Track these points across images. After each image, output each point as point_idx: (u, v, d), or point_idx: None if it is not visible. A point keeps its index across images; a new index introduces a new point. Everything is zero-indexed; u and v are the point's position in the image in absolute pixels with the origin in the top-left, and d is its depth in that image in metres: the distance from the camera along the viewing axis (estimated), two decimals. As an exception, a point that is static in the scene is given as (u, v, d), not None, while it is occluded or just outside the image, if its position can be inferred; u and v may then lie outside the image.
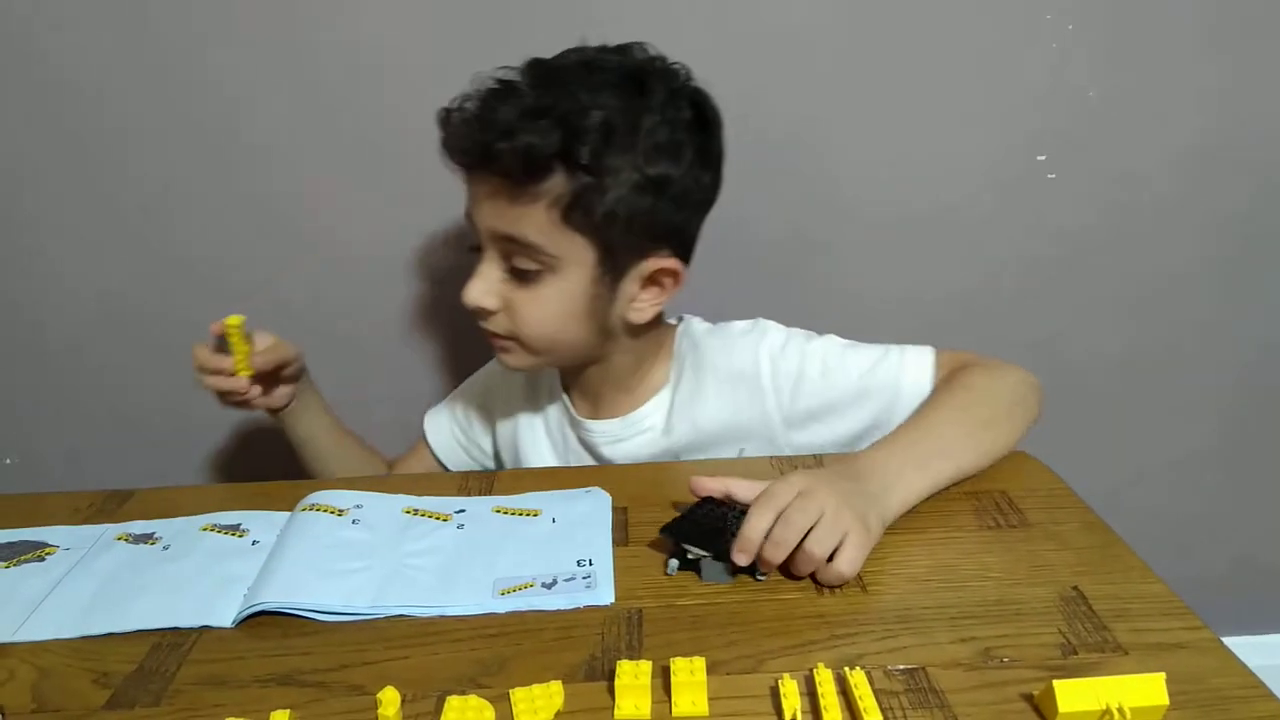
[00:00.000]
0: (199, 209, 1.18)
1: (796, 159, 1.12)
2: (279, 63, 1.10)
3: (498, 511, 0.80)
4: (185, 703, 0.60)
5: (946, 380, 0.89)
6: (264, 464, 1.31)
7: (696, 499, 0.74)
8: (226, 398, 0.95)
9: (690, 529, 0.71)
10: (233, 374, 0.92)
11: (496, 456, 1.10)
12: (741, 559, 0.68)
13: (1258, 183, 1.20)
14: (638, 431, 0.98)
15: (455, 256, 1.17)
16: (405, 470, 1.13)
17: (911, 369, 0.91)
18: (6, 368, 1.26)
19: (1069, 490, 0.81)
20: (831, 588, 0.69)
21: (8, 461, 1.32)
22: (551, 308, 0.87)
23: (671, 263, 0.88)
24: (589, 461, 1.00)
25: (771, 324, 0.98)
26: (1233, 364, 1.31)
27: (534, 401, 1.05)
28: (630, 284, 0.88)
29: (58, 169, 1.15)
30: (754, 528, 0.68)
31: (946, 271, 1.24)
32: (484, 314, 0.89)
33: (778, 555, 0.68)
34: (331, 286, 1.23)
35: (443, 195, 0.93)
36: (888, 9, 1.10)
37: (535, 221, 0.83)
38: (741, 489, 0.73)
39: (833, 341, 0.95)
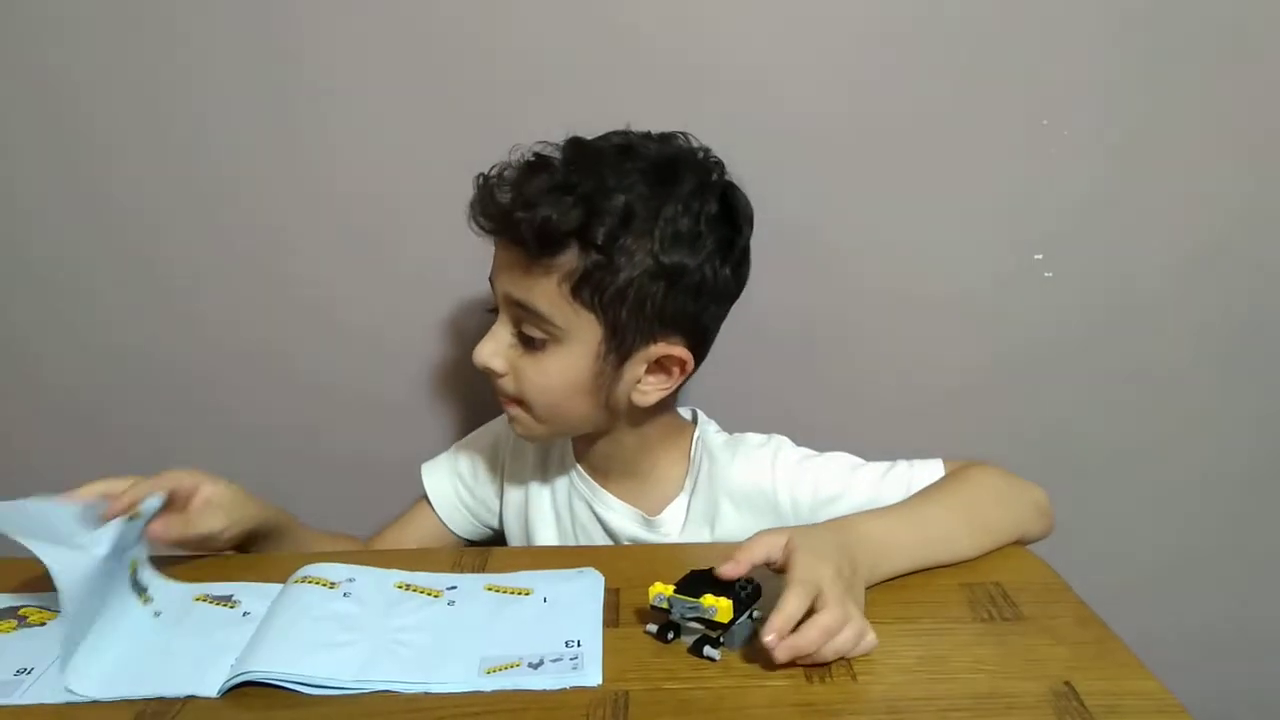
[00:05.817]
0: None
1: (802, 246, 1.15)
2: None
3: (490, 589, 0.80)
4: (165, 773, 0.60)
5: (958, 472, 0.91)
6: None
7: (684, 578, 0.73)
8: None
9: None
10: None
11: (500, 517, 1.09)
12: (777, 653, 0.67)
13: (1257, 280, 1.21)
14: (660, 537, 0.99)
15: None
16: (397, 539, 1.08)
17: (919, 482, 0.92)
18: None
19: (1064, 584, 0.81)
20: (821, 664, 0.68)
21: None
22: (554, 378, 0.90)
23: (680, 351, 0.90)
24: (593, 534, 1.01)
25: (786, 440, 1.00)
26: (1239, 454, 1.30)
27: (544, 470, 1.06)
28: (636, 366, 0.90)
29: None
30: (788, 634, 0.67)
31: (949, 360, 1.24)
32: (493, 375, 0.92)
33: (790, 657, 0.67)
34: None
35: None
36: (894, 102, 1.13)
37: (546, 292, 0.86)
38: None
39: (845, 459, 0.97)
